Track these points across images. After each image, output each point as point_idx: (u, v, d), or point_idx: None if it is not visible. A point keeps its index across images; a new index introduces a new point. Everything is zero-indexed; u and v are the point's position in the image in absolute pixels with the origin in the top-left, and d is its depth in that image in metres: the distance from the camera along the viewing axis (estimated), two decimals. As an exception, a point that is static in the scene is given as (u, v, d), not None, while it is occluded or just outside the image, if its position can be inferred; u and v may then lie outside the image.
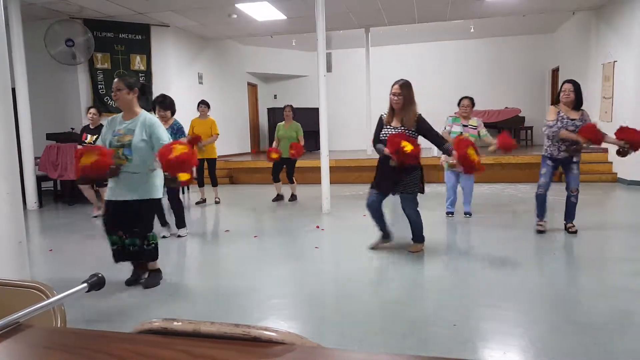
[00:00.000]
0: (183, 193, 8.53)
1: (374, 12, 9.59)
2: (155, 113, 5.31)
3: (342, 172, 9.79)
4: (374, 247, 4.53)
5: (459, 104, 5.78)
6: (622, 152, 4.47)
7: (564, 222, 4.91)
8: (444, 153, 4.73)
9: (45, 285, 0.98)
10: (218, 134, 7.41)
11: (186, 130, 7.47)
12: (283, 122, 7.65)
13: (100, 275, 1.04)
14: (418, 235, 4.41)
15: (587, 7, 9.83)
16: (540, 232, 4.86)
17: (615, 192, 7.82)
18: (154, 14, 9.18)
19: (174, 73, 10.22)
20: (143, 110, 3.61)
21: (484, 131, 5.70)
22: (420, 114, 4.26)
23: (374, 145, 4.35)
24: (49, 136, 8.15)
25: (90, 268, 3.69)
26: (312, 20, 6.94)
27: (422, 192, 4.29)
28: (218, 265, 4.41)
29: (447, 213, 6.00)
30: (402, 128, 4.16)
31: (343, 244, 4.97)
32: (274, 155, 7.32)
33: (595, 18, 9.87)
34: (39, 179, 7.93)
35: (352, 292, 3.45)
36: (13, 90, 6.72)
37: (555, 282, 3.55)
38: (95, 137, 6.48)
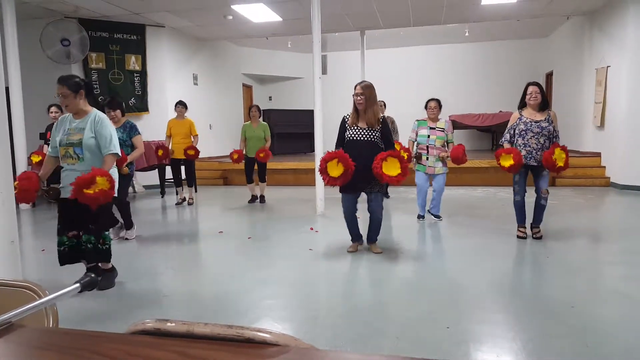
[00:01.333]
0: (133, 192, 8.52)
1: (369, 14, 9.62)
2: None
3: (337, 174, 9.77)
4: (351, 251, 4.57)
5: (426, 107, 5.80)
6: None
7: (532, 224, 4.93)
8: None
9: (38, 285, 0.97)
10: (197, 135, 7.42)
11: (163, 131, 7.51)
12: (249, 122, 7.69)
13: (92, 275, 1.04)
14: (377, 234, 4.53)
15: (580, 12, 9.91)
16: (521, 237, 4.89)
17: (608, 196, 7.87)
18: (149, 14, 9.16)
19: (169, 74, 10.20)
20: (94, 108, 3.57)
21: (451, 136, 5.77)
22: (384, 116, 4.41)
23: (336, 148, 4.39)
24: (43, 136, 8.10)
25: (82, 269, 3.67)
26: (307, 22, 6.95)
27: (387, 196, 4.38)
28: (212, 267, 4.40)
29: (419, 217, 6.02)
30: (369, 129, 4.27)
31: (337, 245, 4.97)
32: (235, 156, 7.44)
33: (588, 23, 9.94)
34: (32, 179, 7.86)
35: (345, 294, 3.45)
36: (6, 89, 6.69)
37: (548, 285, 3.57)
38: None
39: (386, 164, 4.03)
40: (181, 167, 7.62)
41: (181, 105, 7.42)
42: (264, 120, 14.25)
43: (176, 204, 7.78)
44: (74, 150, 3.40)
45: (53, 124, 6.61)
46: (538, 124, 4.61)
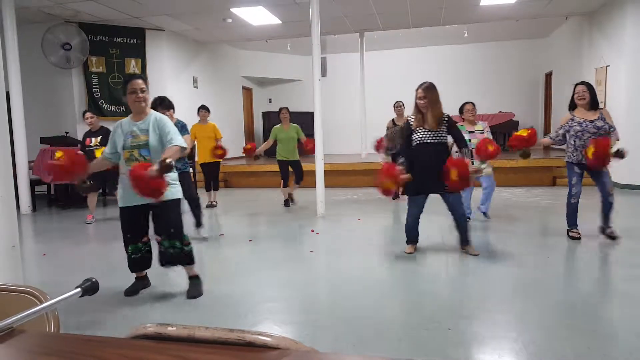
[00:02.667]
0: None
1: (368, 16, 9.63)
2: None
3: (337, 176, 9.80)
4: (409, 252, 4.49)
5: (461, 111, 5.75)
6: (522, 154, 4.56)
7: (602, 226, 4.85)
8: (463, 155, 4.71)
9: (39, 290, 0.97)
10: (221, 137, 7.41)
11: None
12: (279, 124, 7.60)
13: (93, 280, 1.04)
14: (467, 235, 4.44)
15: (579, 13, 9.92)
16: (575, 238, 4.82)
17: (608, 196, 7.85)
18: (149, 18, 9.17)
19: (169, 77, 10.21)
20: (152, 110, 3.52)
21: (490, 136, 5.67)
22: (448, 115, 4.33)
23: (402, 153, 4.38)
24: (43, 140, 8.11)
25: (84, 273, 3.66)
26: (307, 25, 6.96)
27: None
28: (212, 270, 4.40)
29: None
30: (436, 130, 4.21)
31: (338, 247, 4.97)
32: (248, 147, 7.41)
33: (587, 23, 9.95)
34: (33, 183, 7.89)
35: (346, 296, 3.45)
36: (7, 93, 6.70)
37: (550, 286, 3.56)
38: (99, 138, 6.46)
39: (453, 170, 4.00)
40: (209, 170, 7.56)
41: (204, 110, 7.38)
42: (265, 122, 14.38)
43: (207, 206, 7.63)
44: (140, 153, 3.32)
45: (90, 130, 6.63)
46: (593, 123, 4.54)
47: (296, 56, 14.43)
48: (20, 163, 7.49)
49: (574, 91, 4.69)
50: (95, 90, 9.52)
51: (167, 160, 2.95)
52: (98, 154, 5.95)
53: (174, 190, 3.41)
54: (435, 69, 14.01)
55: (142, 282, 3.67)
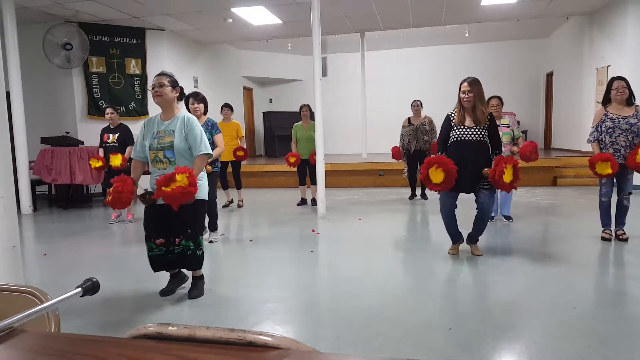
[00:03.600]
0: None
1: (369, 16, 9.63)
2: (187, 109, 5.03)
3: (338, 176, 9.80)
4: (453, 253, 4.41)
5: (487, 105, 5.68)
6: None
7: (615, 228, 4.82)
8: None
9: (39, 290, 0.97)
10: (243, 137, 7.35)
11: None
12: (300, 122, 7.50)
13: (94, 279, 1.04)
14: (479, 235, 4.35)
15: (580, 13, 9.91)
16: (606, 239, 4.78)
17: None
18: (149, 18, 9.18)
19: (170, 77, 10.20)
20: (182, 109, 3.43)
21: (517, 131, 5.55)
22: (491, 113, 4.22)
23: (439, 149, 4.24)
24: (44, 140, 8.12)
25: (84, 272, 3.67)
26: (307, 25, 6.96)
27: (425, 198, 4.29)
28: (213, 270, 4.40)
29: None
30: (478, 128, 4.10)
31: (339, 248, 4.97)
32: (292, 160, 7.15)
33: (588, 23, 9.94)
34: (34, 183, 7.89)
35: (347, 296, 3.45)
36: (7, 93, 6.71)
37: (551, 286, 3.56)
38: (116, 135, 6.40)
39: (507, 170, 3.86)
40: (227, 170, 7.46)
41: (227, 108, 7.29)
42: (265, 122, 14.37)
43: (223, 206, 7.57)
44: (164, 154, 3.24)
45: (109, 126, 6.55)
46: (626, 120, 4.42)
47: (297, 56, 14.43)
48: (20, 163, 7.50)
49: (610, 86, 4.57)
50: (96, 90, 9.53)
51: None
52: (113, 162, 5.99)
53: (202, 190, 3.33)
54: (435, 68, 14.03)
55: (176, 280, 3.59)
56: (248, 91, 14.71)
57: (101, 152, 6.47)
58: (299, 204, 7.69)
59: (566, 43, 11.61)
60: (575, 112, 10.64)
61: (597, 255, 4.48)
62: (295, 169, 7.47)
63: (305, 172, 7.50)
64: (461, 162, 4.00)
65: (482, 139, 4.10)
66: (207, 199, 3.45)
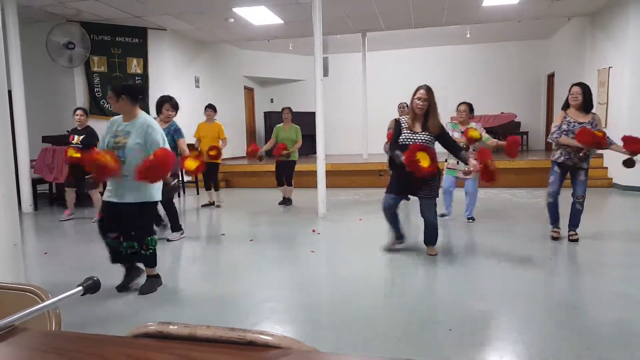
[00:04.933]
0: (178, 197, 8.57)
1: (370, 16, 9.63)
2: (160, 112, 5.24)
3: (339, 176, 9.79)
4: (388, 248, 4.56)
5: (457, 110, 5.77)
6: (628, 163, 4.44)
7: (568, 229, 4.85)
8: (460, 161, 4.73)
9: (40, 289, 0.97)
10: (226, 139, 7.40)
11: (192, 134, 7.50)
12: (281, 124, 7.61)
13: (95, 278, 1.04)
14: (434, 238, 4.45)
15: (582, 14, 9.90)
16: (554, 238, 4.82)
17: (611, 198, 7.86)
18: (151, 18, 9.18)
19: (171, 76, 10.22)
20: (142, 112, 3.55)
21: (485, 135, 5.68)
22: (441, 125, 4.29)
23: (392, 151, 4.32)
24: (45, 139, 8.12)
25: (85, 271, 3.67)
26: (309, 25, 6.96)
27: (407, 199, 4.36)
28: (214, 269, 4.40)
29: (441, 215, 6.00)
30: (424, 133, 4.17)
31: (339, 248, 4.97)
32: (250, 149, 7.44)
33: (590, 24, 9.94)
34: (35, 182, 7.90)
35: (348, 296, 3.45)
36: (9, 92, 6.71)
37: (551, 287, 3.56)
38: (81, 137, 6.43)
39: (421, 154, 3.95)
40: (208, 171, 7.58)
41: (210, 109, 7.37)
42: (266, 122, 14.36)
43: (202, 205, 7.74)
44: (119, 154, 3.37)
45: (77, 127, 6.60)
46: (582, 125, 4.50)
47: (298, 56, 14.43)
48: (22, 162, 7.50)
49: (569, 91, 4.67)
50: (97, 89, 9.54)
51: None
52: (70, 153, 6.01)
53: (148, 192, 3.45)
54: (437, 69, 14.02)
55: (129, 275, 3.68)
56: (249, 91, 14.71)
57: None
58: (280, 203, 7.80)
59: (567, 44, 11.60)
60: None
61: (598, 255, 4.47)
62: (252, 168, 7.67)
63: (282, 173, 7.65)
64: (403, 166, 4.10)
65: (428, 144, 4.18)
66: (153, 200, 3.51)
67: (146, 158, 3.19)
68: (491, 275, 3.85)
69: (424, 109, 4.16)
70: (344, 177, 9.93)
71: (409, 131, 4.22)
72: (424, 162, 3.93)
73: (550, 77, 13.01)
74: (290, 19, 9.49)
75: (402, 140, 4.23)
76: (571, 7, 9.30)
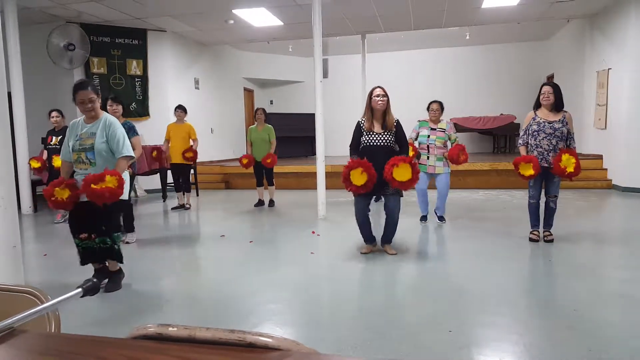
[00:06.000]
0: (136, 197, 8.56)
1: (370, 18, 9.64)
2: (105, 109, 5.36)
3: (338, 178, 9.69)
4: (365, 252, 4.60)
5: (428, 108, 5.81)
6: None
7: (542, 229, 4.90)
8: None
9: (40, 290, 0.97)
10: (196, 139, 7.43)
11: (162, 135, 7.54)
12: (255, 125, 7.70)
13: (94, 280, 1.04)
14: (392, 235, 4.57)
15: (581, 15, 9.92)
16: (533, 240, 4.86)
17: (610, 199, 7.86)
18: (151, 19, 9.19)
19: (171, 78, 10.22)
20: (104, 112, 3.62)
21: (454, 135, 5.77)
22: (397, 119, 4.43)
23: (351, 153, 4.48)
24: (43, 140, 8.11)
25: (84, 273, 3.67)
26: (308, 27, 6.97)
27: (401, 195, 4.45)
28: (213, 271, 4.40)
29: (422, 218, 6.02)
30: (386, 134, 4.34)
31: (339, 249, 4.96)
32: (245, 161, 7.44)
33: (589, 26, 9.95)
34: (34, 184, 7.89)
35: (347, 298, 3.45)
36: (9, 94, 6.71)
37: (551, 289, 3.56)
38: (59, 138, 6.51)
39: (397, 169, 4.05)
40: (181, 172, 7.62)
41: (180, 110, 7.42)
42: (266, 123, 14.32)
43: (172, 209, 7.78)
44: (86, 155, 3.43)
45: (54, 128, 6.64)
46: (551, 124, 4.55)
47: (298, 58, 14.44)
48: (21, 164, 7.51)
49: (540, 91, 4.72)
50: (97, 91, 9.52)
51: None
52: (56, 163, 6.06)
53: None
54: (436, 71, 14.04)
55: (100, 275, 3.63)
56: (249, 92, 14.72)
57: (45, 154, 6.68)
58: (256, 205, 7.84)
59: (567, 45, 11.61)
60: (575, 115, 10.59)
61: (597, 256, 4.47)
62: (251, 170, 7.77)
63: (261, 173, 7.71)
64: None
65: (389, 144, 4.34)
66: (126, 198, 3.60)
67: (95, 176, 3.24)
68: (490, 277, 3.85)
69: (385, 105, 4.32)
70: (343, 178, 9.91)
71: (371, 132, 4.37)
72: (404, 176, 4.05)
73: (550, 78, 13.00)
74: (290, 20, 9.50)
75: (366, 142, 4.37)
76: (570, 9, 9.31)
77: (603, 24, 9.28)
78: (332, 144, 12.90)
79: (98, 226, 3.49)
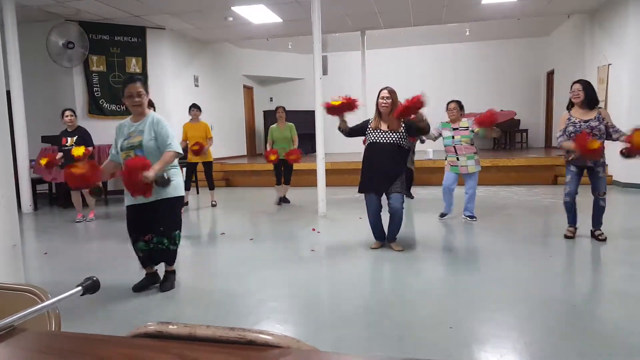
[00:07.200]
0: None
1: (370, 15, 9.61)
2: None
3: (338, 175, 9.79)
4: (375, 247, 4.64)
5: (446, 109, 5.77)
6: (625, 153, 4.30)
7: (591, 228, 4.79)
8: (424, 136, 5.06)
9: (40, 289, 0.97)
10: (212, 137, 7.41)
11: (179, 134, 7.49)
12: (276, 124, 7.62)
13: (94, 278, 1.04)
14: (397, 231, 4.58)
15: (581, 11, 9.90)
16: (568, 237, 4.78)
17: (610, 195, 7.84)
18: (150, 17, 9.17)
19: (170, 76, 10.21)
20: (151, 110, 3.57)
21: (477, 128, 5.68)
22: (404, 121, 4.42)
23: (344, 131, 4.64)
24: (44, 139, 8.12)
25: (84, 271, 3.67)
26: (308, 23, 6.95)
27: (411, 197, 4.43)
28: (214, 268, 4.40)
29: (442, 215, 6.00)
30: (392, 132, 4.35)
31: (339, 246, 4.97)
32: (273, 157, 7.29)
33: (589, 21, 9.93)
34: (34, 182, 7.90)
35: (348, 295, 3.45)
36: (8, 92, 6.71)
37: (551, 285, 3.56)
38: (75, 138, 6.36)
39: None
40: (194, 171, 7.62)
41: (195, 108, 7.37)
42: (266, 121, 14.35)
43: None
44: (135, 153, 3.38)
45: (67, 129, 6.50)
46: (587, 123, 4.39)
47: (297, 55, 14.42)
48: (21, 162, 7.50)
49: (570, 89, 4.60)
50: (96, 89, 9.52)
51: (167, 177, 3.26)
52: (75, 152, 5.89)
53: (179, 187, 3.51)
54: (436, 67, 14.02)
55: (151, 279, 3.68)
56: (248, 90, 14.71)
57: (59, 156, 6.24)
58: (277, 203, 7.81)
59: (567, 41, 11.59)
60: (576, 111, 10.62)
61: (598, 253, 4.47)
62: (253, 168, 7.65)
63: (281, 171, 7.65)
64: (374, 164, 4.32)
65: (396, 141, 4.33)
66: (181, 194, 3.57)
67: (136, 160, 3.24)
68: (492, 273, 3.85)
69: (388, 106, 4.36)
70: (343, 175, 9.92)
71: (377, 130, 4.41)
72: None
73: (550, 74, 13.00)
74: (289, 17, 9.48)
75: (371, 139, 4.42)
76: (570, 5, 9.29)
77: (603, 19, 9.26)
78: (332, 141, 12.90)
79: (156, 227, 3.48)
